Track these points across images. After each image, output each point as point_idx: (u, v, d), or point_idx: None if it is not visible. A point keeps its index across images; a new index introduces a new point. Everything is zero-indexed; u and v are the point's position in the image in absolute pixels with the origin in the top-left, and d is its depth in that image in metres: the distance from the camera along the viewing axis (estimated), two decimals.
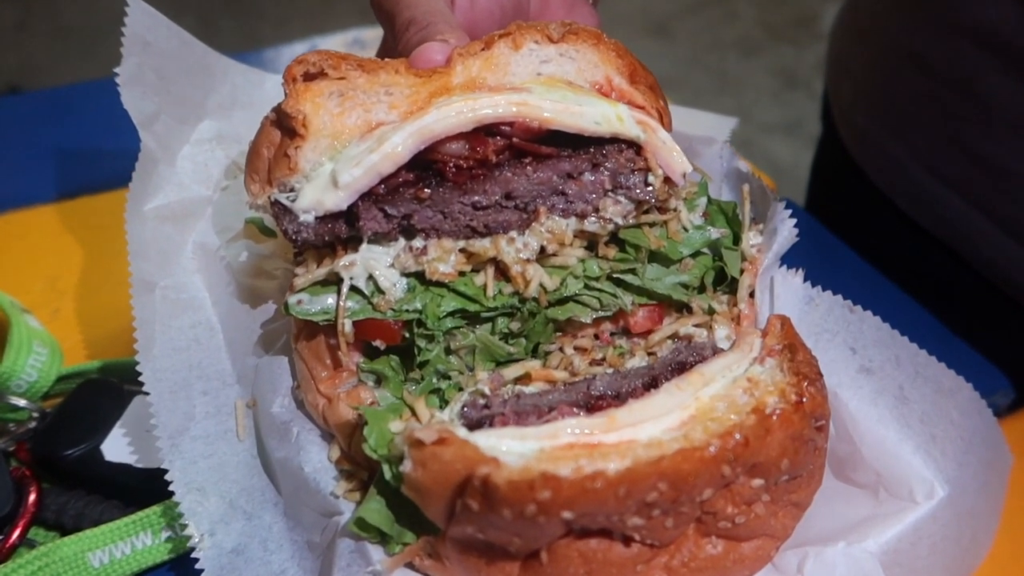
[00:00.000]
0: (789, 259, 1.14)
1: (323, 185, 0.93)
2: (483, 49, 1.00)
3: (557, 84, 1.01)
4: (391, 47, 1.13)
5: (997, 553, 1.13)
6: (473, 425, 0.85)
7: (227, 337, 1.16)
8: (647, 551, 0.79)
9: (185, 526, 1.02)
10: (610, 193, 1.00)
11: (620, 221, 1.00)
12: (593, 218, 1.00)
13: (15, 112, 2.05)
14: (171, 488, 1.02)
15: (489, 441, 0.76)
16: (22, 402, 1.23)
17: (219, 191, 1.28)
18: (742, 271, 1.07)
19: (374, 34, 2.20)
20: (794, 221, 1.11)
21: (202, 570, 0.97)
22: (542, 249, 0.98)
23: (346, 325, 0.95)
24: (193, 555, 0.99)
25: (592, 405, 0.85)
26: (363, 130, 0.95)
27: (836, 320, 1.09)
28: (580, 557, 0.77)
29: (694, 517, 0.79)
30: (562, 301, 1.00)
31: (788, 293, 1.11)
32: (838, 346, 1.07)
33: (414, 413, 0.92)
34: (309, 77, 0.96)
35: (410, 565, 0.88)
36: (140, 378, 1.07)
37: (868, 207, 1.83)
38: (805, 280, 1.12)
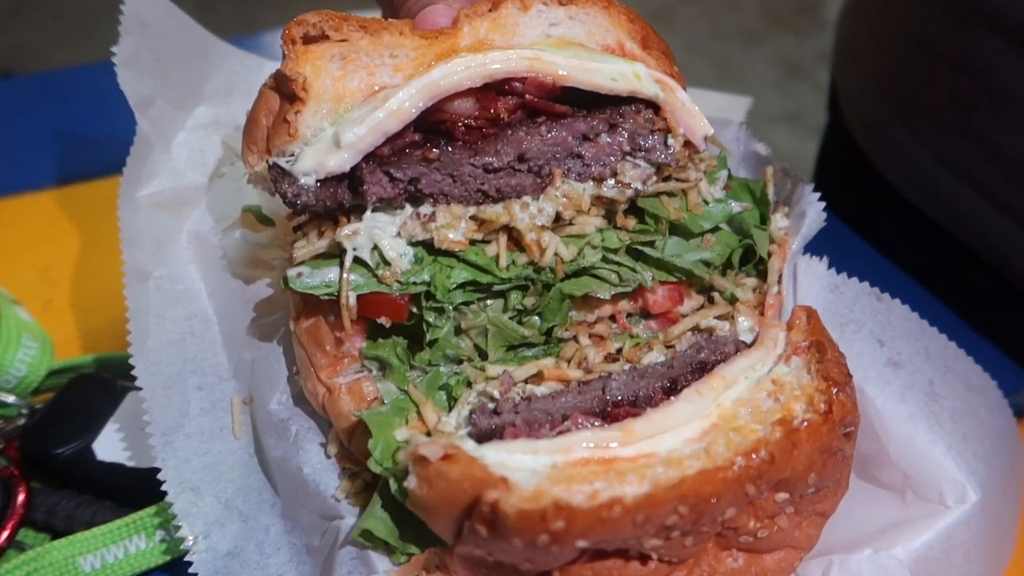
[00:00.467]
0: (807, 247, 1.09)
1: (325, 147, 0.88)
2: (490, 10, 0.94)
3: (569, 46, 0.95)
4: None
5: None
6: (482, 436, 0.79)
7: (223, 329, 1.11)
8: (664, 567, 0.73)
9: (179, 528, 0.97)
10: (628, 156, 0.94)
11: (639, 186, 0.94)
12: (611, 182, 0.94)
13: (7, 97, 1.99)
14: (164, 488, 0.96)
15: (499, 456, 0.70)
16: (11, 398, 1.17)
17: (216, 178, 1.23)
18: (770, 254, 1.02)
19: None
20: (822, 205, 1.06)
21: (196, 574, 0.92)
22: (558, 216, 0.92)
23: (350, 299, 0.88)
24: (187, 558, 0.94)
25: (608, 413, 0.79)
26: (366, 94, 0.90)
27: (863, 310, 1.03)
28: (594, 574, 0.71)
29: (714, 533, 0.74)
30: (578, 273, 0.94)
31: (812, 280, 1.05)
32: (865, 338, 1.01)
33: (420, 415, 0.86)
34: (309, 39, 0.90)
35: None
36: (133, 372, 1.02)
37: (876, 198, 1.77)
38: (829, 267, 1.07)
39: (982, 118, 1.47)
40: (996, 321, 1.53)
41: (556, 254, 0.91)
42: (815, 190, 2.15)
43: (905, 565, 0.87)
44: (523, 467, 0.72)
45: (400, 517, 0.82)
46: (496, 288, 0.91)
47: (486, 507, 0.68)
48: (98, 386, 1.19)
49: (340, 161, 0.86)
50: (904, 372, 0.98)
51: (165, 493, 0.97)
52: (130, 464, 1.11)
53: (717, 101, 1.56)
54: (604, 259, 0.94)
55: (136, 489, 1.08)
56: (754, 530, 0.75)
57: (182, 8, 1.25)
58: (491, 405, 0.84)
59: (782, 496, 0.75)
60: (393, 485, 0.79)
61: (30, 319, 1.31)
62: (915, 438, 0.95)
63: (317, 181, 0.87)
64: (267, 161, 0.89)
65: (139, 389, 1.03)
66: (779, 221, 1.05)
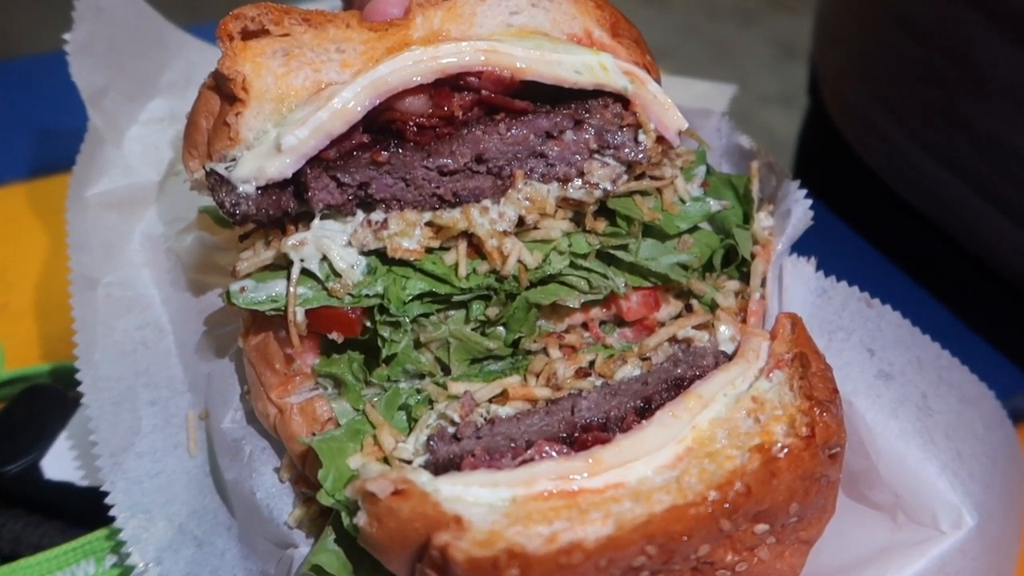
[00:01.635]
0: (795, 245, 1.02)
1: (265, 151, 0.81)
2: None
3: (530, 36, 0.88)
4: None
5: None
6: (440, 466, 0.73)
7: (178, 339, 1.05)
8: None
9: (128, 554, 0.92)
10: (596, 154, 0.87)
11: (609, 187, 0.87)
12: (578, 183, 0.87)
13: None
14: (112, 512, 0.91)
15: (455, 490, 0.64)
16: None
17: (171, 176, 1.17)
18: (753, 255, 0.96)
19: None
20: (809, 203, 0.99)
21: None
22: (521, 221, 0.85)
23: (298, 314, 0.81)
24: None
25: (576, 439, 0.73)
26: (312, 92, 0.83)
27: (852, 316, 0.97)
28: None
29: (688, 569, 0.68)
30: (545, 281, 0.87)
31: (799, 284, 0.99)
32: (854, 346, 0.95)
33: (376, 440, 0.80)
34: (248, 35, 0.83)
35: None
36: (80, 388, 0.97)
37: (855, 183, 1.72)
38: (817, 269, 1.00)
39: (963, 100, 1.42)
40: (979, 310, 1.48)
41: (519, 261, 0.84)
42: (796, 175, 2.10)
43: None
44: (480, 502, 0.66)
45: (353, 550, 0.77)
46: (456, 299, 0.84)
47: (436, 551, 0.62)
48: (50, 398, 1.14)
49: (281, 167, 0.79)
50: (896, 384, 0.93)
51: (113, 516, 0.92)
52: (81, 482, 1.06)
53: (699, 89, 1.49)
54: (572, 265, 0.88)
55: (86, 510, 1.02)
56: (732, 564, 0.70)
57: None
58: (451, 429, 0.78)
59: (762, 528, 0.70)
60: (345, 519, 0.73)
61: None
62: (907, 456, 0.90)
63: (258, 188, 0.81)
64: (204, 167, 0.82)
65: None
66: (763, 220, 0.98)
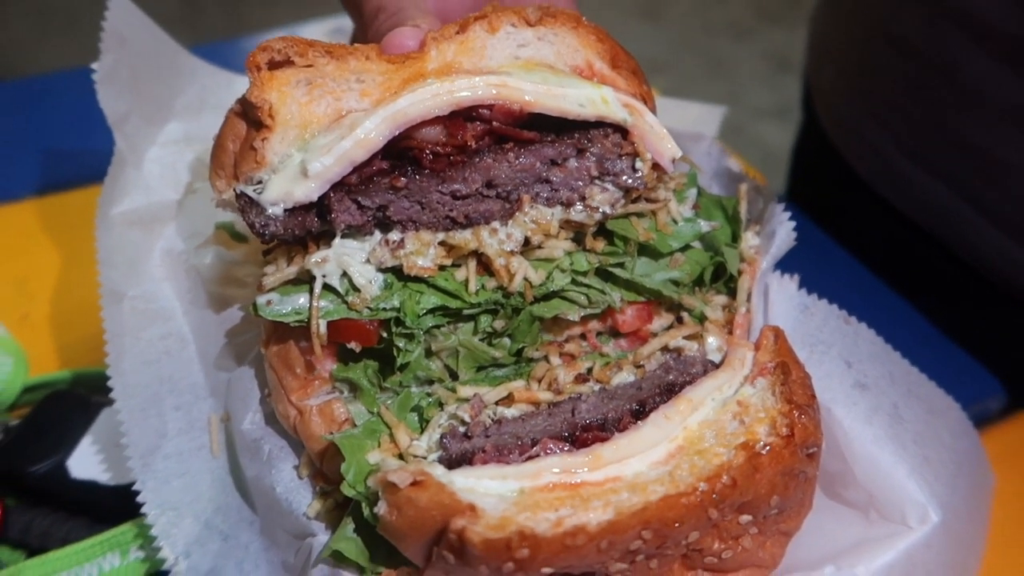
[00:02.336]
0: (783, 260, 1.11)
1: (292, 175, 0.88)
2: (458, 32, 0.95)
3: (537, 67, 0.96)
4: (362, 39, 1.09)
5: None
6: (452, 461, 0.82)
7: (199, 348, 1.12)
8: None
9: (158, 548, 0.99)
10: (597, 180, 0.96)
11: (608, 210, 0.96)
12: (580, 206, 0.95)
13: None
14: (144, 509, 0.98)
15: (468, 482, 0.72)
16: None
17: (188, 195, 1.24)
18: (740, 272, 1.04)
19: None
20: (793, 224, 1.08)
21: None
22: (526, 241, 0.93)
23: (320, 326, 0.90)
24: None
25: (577, 438, 0.82)
26: (333, 119, 0.91)
27: (831, 331, 1.06)
28: None
29: (679, 555, 0.76)
30: (548, 296, 0.95)
31: (783, 300, 1.08)
32: (833, 359, 1.04)
33: (392, 438, 0.88)
34: (274, 65, 0.91)
35: None
36: (111, 394, 1.04)
37: (849, 195, 1.81)
38: (800, 286, 1.09)
39: (954, 115, 1.51)
40: (968, 319, 1.57)
41: (525, 279, 0.92)
42: (790, 187, 2.18)
43: None
44: (491, 492, 0.74)
45: (371, 538, 0.85)
46: (466, 312, 0.92)
47: (453, 535, 0.71)
48: (73, 402, 1.21)
49: (307, 191, 0.87)
50: (870, 394, 1.01)
51: (139, 510, 0.99)
52: (104, 481, 1.13)
53: (692, 111, 1.57)
54: (573, 281, 0.96)
55: (110, 506, 1.10)
56: (719, 551, 0.78)
57: (168, 8, 1.27)
58: (462, 429, 0.86)
59: (745, 518, 0.78)
60: (365, 509, 0.81)
61: (5, 334, 1.32)
62: (880, 459, 0.98)
63: (285, 210, 0.89)
64: (235, 189, 0.90)
65: (114, 404, 1.04)
66: (750, 239, 1.07)
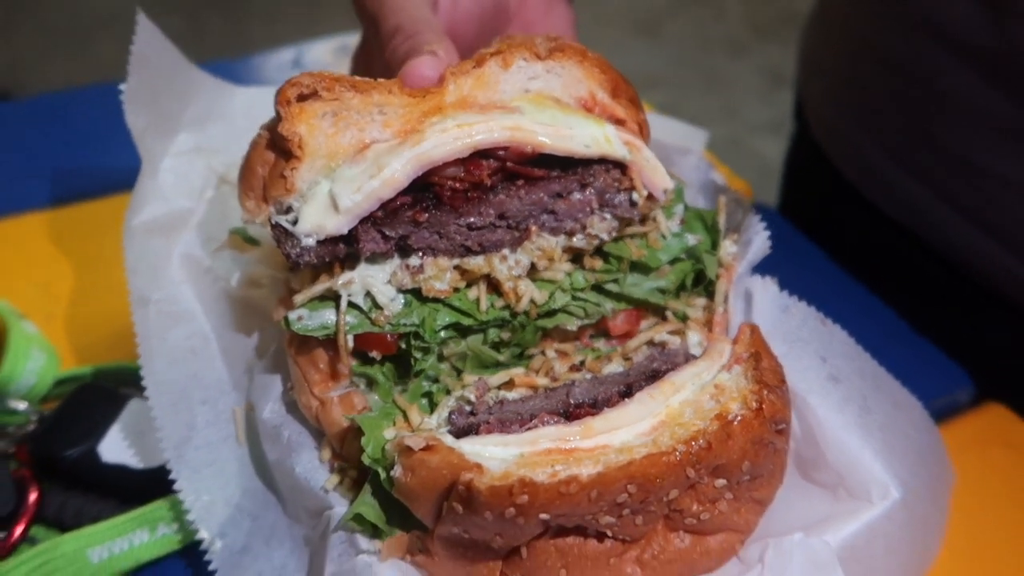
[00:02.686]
0: (765, 264, 1.22)
1: (323, 208, 0.98)
2: (475, 67, 1.04)
3: (545, 102, 1.06)
4: (371, 47, 1.16)
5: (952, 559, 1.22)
6: (460, 432, 0.93)
7: (221, 346, 1.23)
8: (619, 546, 0.86)
9: (185, 525, 1.12)
10: (597, 211, 1.06)
11: (605, 237, 1.07)
12: (580, 235, 1.06)
13: (6, 119, 2.10)
14: (180, 497, 1.10)
15: (474, 448, 0.83)
16: (22, 405, 1.29)
17: (202, 202, 1.33)
18: (718, 276, 1.16)
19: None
20: (768, 233, 1.20)
21: (214, 571, 1.06)
22: (532, 266, 1.04)
23: (348, 340, 1.00)
24: (207, 557, 1.07)
25: (571, 413, 0.93)
26: (357, 148, 1.00)
27: (809, 330, 1.17)
28: (557, 552, 0.84)
29: (662, 515, 0.87)
30: (550, 312, 1.07)
31: (765, 301, 1.20)
32: (810, 355, 1.15)
33: (406, 417, 0.99)
34: (303, 98, 1.00)
35: (401, 560, 0.95)
36: (145, 393, 1.14)
37: (840, 203, 1.91)
38: (782, 288, 1.20)
39: (932, 122, 1.62)
40: (944, 316, 1.69)
41: (531, 299, 1.03)
42: (783, 196, 2.28)
43: (832, 550, 0.99)
44: (495, 456, 0.85)
45: (388, 504, 0.95)
46: (476, 328, 1.04)
47: (462, 486, 0.82)
48: (102, 394, 1.32)
49: (339, 225, 0.97)
50: (842, 387, 1.12)
51: (165, 490, 1.11)
52: (133, 465, 1.24)
53: (677, 129, 1.68)
54: (573, 298, 1.08)
55: (138, 487, 1.21)
56: (697, 513, 0.88)
57: (171, 25, 1.35)
58: (468, 408, 0.97)
59: (720, 482, 0.88)
60: (382, 474, 0.92)
61: (36, 332, 1.42)
62: (849, 444, 1.09)
63: (317, 241, 0.98)
64: (270, 220, 1.01)
65: (140, 397, 1.15)
66: (728, 247, 1.18)
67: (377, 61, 1.17)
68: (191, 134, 1.36)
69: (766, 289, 1.21)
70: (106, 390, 1.32)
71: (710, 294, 1.17)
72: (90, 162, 1.88)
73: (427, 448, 0.83)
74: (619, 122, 1.12)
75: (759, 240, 1.19)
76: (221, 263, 1.28)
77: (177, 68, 1.37)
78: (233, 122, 1.40)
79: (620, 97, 1.13)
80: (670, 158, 1.43)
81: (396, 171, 0.96)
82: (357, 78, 1.02)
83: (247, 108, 1.41)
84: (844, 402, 1.12)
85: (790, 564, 0.96)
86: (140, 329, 1.17)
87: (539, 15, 1.39)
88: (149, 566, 1.18)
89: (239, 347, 1.24)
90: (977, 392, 1.56)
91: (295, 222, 0.99)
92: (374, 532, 0.97)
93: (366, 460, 0.94)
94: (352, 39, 2.33)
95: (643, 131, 1.15)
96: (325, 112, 0.99)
